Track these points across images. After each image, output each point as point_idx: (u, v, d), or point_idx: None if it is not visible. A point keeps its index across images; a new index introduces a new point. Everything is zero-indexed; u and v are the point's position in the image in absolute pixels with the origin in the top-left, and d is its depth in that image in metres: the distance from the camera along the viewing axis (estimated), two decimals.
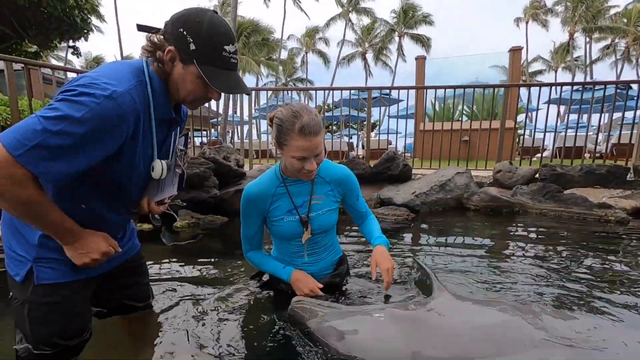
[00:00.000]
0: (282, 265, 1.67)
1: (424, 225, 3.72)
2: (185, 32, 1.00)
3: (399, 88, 5.97)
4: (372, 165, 5.18)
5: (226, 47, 1.04)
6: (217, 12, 1.06)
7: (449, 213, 4.34)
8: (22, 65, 4.46)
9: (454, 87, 5.76)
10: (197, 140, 15.89)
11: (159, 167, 1.14)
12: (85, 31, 10.99)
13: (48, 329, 1.08)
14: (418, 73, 13.16)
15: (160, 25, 1.07)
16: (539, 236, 3.20)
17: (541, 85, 6.04)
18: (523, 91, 15.80)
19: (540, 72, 39.37)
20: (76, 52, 12.62)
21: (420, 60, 12.85)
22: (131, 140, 1.02)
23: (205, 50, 1.01)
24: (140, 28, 1.08)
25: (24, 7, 8.92)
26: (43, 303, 1.05)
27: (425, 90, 6.19)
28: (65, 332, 1.11)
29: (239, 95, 6.70)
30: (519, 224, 3.69)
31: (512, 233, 3.37)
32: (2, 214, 1.05)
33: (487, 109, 11.36)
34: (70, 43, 11.90)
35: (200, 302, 1.83)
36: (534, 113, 6.51)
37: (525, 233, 3.35)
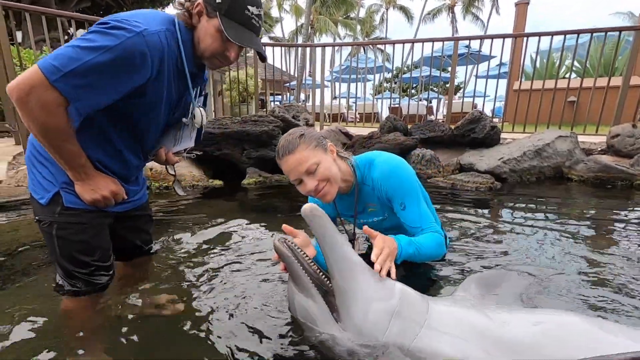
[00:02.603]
0: None
1: (511, 197, 3.21)
2: None
3: (492, 37, 5.10)
4: (453, 128, 4.65)
5: (250, 7, 1.10)
6: None
7: (545, 183, 3.72)
8: None
9: (565, 33, 4.76)
10: (272, 105, 16.24)
11: (199, 114, 1.26)
12: None
13: (74, 247, 1.16)
14: (518, 22, 11.37)
15: None
16: None
17: None
18: None
19: None
20: None
21: (522, 6, 11.05)
22: (155, 82, 1.08)
23: (229, 4, 1.08)
24: None
25: None
26: (70, 222, 1.14)
27: (525, 40, 5.23)
28: (91, 250, 1.19)
29: (314, 56, 6.50)
30: (638, 201, 2.99)
31: (627, 212, 2.72)
32: (28, 147, 1.16)
33: (605, 64, 9.40)
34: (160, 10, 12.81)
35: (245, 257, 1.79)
36: None
37: None
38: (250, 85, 10.02)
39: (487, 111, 11.21)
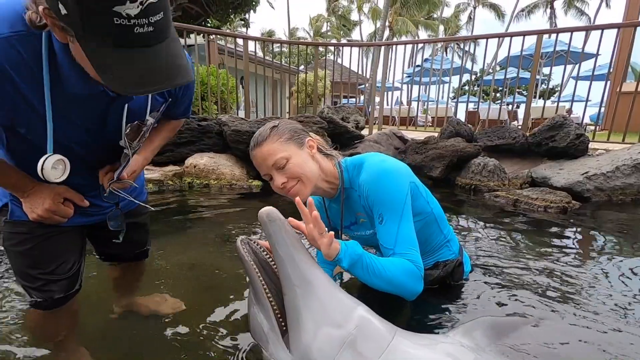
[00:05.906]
0: None
1: (591, 222, 2.59)
2: None
3: (587, 28, 4.27)
4: (528, 135, 4.01)
5: (118, 8, 0.58)
6: None
7: None
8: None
9: None
10: None
11: (40, 165, 0.87)
12: (254, 3, 12.25)
13: (19, 259, 1.08)
14: (629, 11, 9.62)
15: None
16: None
17: None
18: None
19: None
20: (246, 23, 14.25)
21: None
22: (13, 108, 0.81)
23: (81, 17, 0.59)
24: None
25: None
26: (13, 232, 1.06)
27: (635, 30, 4.30)
28: (34, 263, 1.08)
29: (388, 57, 6.21)
30: None
31: None
32: None
33: None
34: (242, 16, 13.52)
35: None
36: None
37: None
38: (320, 87, 10.09)
39: (587, 118, 9.64)
